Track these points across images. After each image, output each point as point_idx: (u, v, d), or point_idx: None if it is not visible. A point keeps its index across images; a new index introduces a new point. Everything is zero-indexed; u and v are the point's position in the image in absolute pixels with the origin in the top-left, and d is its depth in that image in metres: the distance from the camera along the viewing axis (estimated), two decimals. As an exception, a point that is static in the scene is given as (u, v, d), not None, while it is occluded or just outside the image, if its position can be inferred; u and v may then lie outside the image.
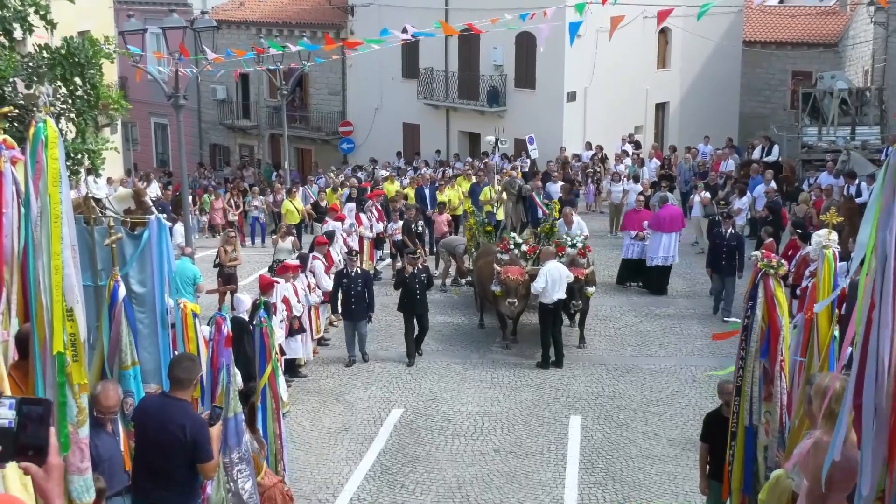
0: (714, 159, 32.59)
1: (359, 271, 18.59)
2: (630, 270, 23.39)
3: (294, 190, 30.12)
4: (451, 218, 26.59)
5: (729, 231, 20.34)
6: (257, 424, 10.96)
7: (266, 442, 11.10)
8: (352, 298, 18.30)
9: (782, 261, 9.32)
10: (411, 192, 28.78)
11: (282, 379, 15.32)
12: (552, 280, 18.12)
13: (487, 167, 31.44)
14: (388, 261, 25.33)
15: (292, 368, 17.81)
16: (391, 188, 29.41)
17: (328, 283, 19.45)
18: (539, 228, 22.07)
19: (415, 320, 18.67)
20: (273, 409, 11.08)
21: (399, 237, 24.47)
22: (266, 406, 10.94)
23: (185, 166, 21.29)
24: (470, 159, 37.98)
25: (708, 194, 26.41)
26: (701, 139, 36.15)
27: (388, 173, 33.66)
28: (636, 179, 29.11)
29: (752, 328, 9.12)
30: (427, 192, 27.99)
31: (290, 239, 22.31)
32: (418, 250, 25.09)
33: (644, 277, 23.12)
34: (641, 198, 24.65)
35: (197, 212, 33.47)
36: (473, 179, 29.30)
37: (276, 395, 11.23)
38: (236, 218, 32.14)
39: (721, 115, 42.90)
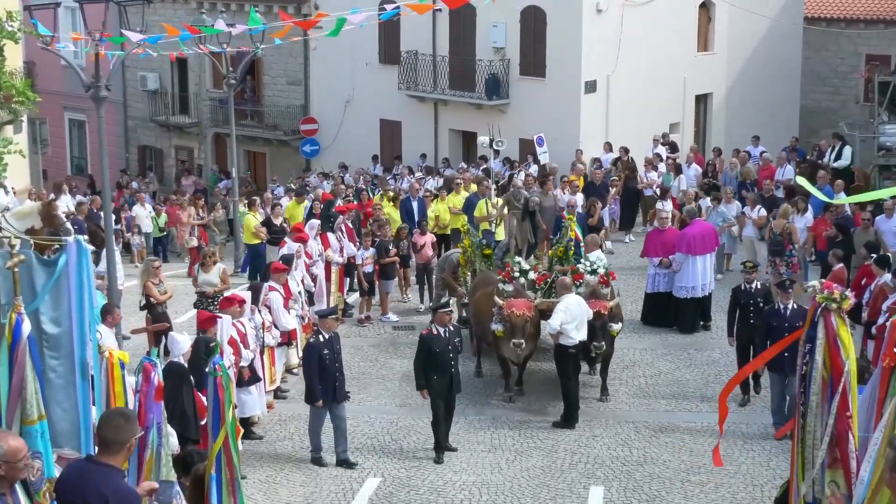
0: (760, 165, 32.32)
1: (335, 335, 17.30)
2: (659, 307, 23.44)
3: (256, 201, 30.21)
4: (435, 239, 26.58)
5: (790, 306, 17.67)
6: (212, 499, 10.96)
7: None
8: (335, 374, 17.00)
9: (846, 292, 9.34)
10: (389, 206, 28.79)
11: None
12: (573, 317, 18.19)
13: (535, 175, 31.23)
14: (357, 297, 25.21)
15: (245, 427, 17.79)
16: (386, 205, 29.25)
17: (287, 321, 19.48)
18: (550, 252, 22.13)
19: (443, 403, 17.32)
20: (228, 480, 11.09)
21: (370, 268, 24.38)
22: (221, 477, 10.94)
23: (108, 173, 21.31)
24: (463, 165, 38.02)
25: (763, 212, 26.33)
26: (755, 139, 36.23)
27: (392, 185, 33.50)
28: (714, 193, 28.12)
29: (811, 378, 9.14)
30: (415, 206, 28.02)
31: (218, 268, 22.08)
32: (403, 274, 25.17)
33: (675, 314, 23.15)
34: (666, 214, 24.71)
35: (132, 233, 33.44)
36: (472, 188, 29.27)
37: (232, 462, 11.22)
38: (195, 239, 31.99)
39: (777, 109, 43.04)
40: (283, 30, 21.39)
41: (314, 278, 22.80)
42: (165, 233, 34.64)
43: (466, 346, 21.98)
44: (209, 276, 21.69)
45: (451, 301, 18.02)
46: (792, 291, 17.84)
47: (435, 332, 17.16)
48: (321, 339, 17.01)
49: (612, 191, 31.59)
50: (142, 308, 21.61)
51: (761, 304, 18.78)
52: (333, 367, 16.88)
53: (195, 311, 21.60)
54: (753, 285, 19.23)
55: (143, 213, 33.94)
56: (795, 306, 17.47)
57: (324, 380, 16.79)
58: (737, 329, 19.14)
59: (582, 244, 23.11)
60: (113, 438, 8.37)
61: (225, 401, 12.73)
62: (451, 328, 17.38)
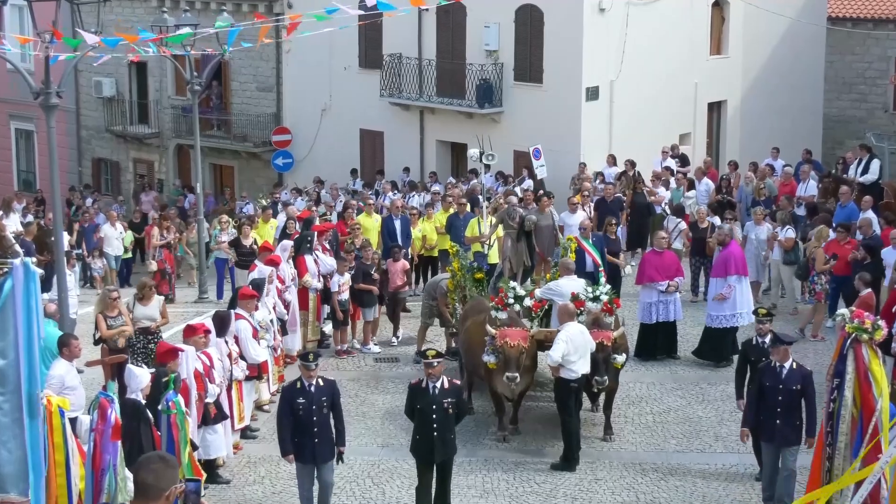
0: (780, 180, 32.29)
1: (320, 383, 16.04)
2: (656, 339, 23.43)
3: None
4: (410, 266, 26.41)
5: (788, 365, 16.00)
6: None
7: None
8: (313, 429, 15.91)
9: (879, 321, 9.35)
10: (370, 223, 28.69)
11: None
12: (575, 347, 18.15)
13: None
14: (330, 328, 25.11)
15: (209, 471, 17.73)
16: (369, 223, 29.15)
17: (258, 353, 19.40)
18: (549, 276, 22.12)
19: (433, 471, 16.37)
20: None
21: (345, 295, 24.25)
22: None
23: (59, 189, 21.25)
24: (452, 180, 37.99)
25: (792, 233, 26.14)
26: (775, 151, 36.20)
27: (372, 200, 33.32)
28: (729, 212, 28.09)
29: (839, 416, 9.13)
30: (398, 225, 27.93)
31: (158, 300, 21.80)
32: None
33: (711, 345, 23.07)
34: (664, 234, 24.73)
35: (93, 256, 33.37)
36: (453, 208, 29.21)
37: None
38: (156, 262, 31.87)
39: (798, 118, 43.14)
40: (258, 34, 21.33)
41: (287, 305, 22.74)
42: (131, 255, 34.56)
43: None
44: (148, 309, 21.23)
45: (432, 353, 16.31)
46: (783, 348, 16.03)
47: (424, 384, 16.21)
48: (297, 386, 16.08)
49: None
50: (96, 342, 21.32)
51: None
52: (310, 420, 15.81)
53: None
54: (768, 339, 17.28)
55: (114, 234, 33.73)
56: (794, 366, 15.93)
57: (298, 434, 15.93)
58: (748, 391, 17.30)
59: (600, 268, 23.12)
60: (153, 483, 8.03)
61: (180, 441, 12.67)
62: (447, 386, 16.15)
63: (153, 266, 31.53)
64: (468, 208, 28.39)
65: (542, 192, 30.25)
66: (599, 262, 23.91)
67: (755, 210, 27.84)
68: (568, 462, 18.32)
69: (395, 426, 19.62)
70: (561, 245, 23.56)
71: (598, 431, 19.59)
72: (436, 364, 16.03)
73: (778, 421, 15.77)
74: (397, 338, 25.22)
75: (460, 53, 40.17)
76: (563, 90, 37.90)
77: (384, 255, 26.30)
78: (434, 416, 15.97)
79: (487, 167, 30.58)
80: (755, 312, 18.64)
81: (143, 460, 8.35)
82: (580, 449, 18.45)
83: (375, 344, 24.80)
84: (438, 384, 16.06)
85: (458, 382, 16.80)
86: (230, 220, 32.71)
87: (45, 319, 17.47)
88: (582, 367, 18.31)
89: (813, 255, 24.20)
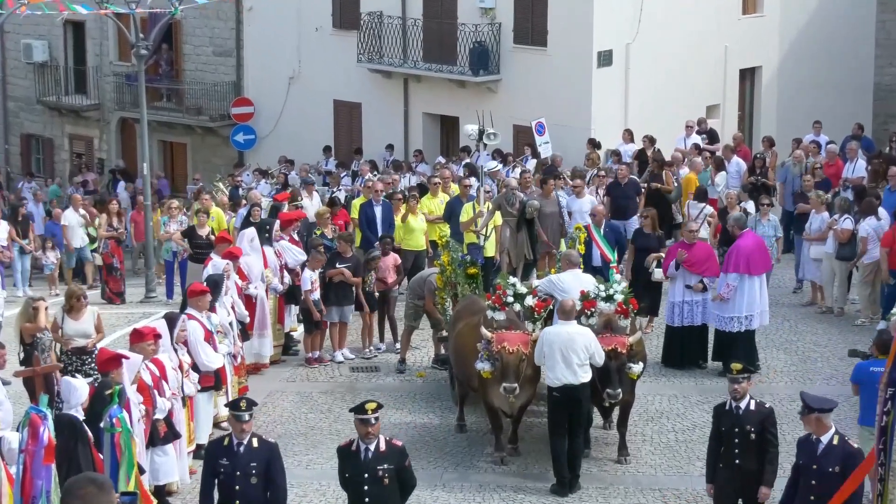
0: (823, 160, 32.24)
1: (254, 445, 14.51)
2: (685, 344, 23.36)
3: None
4: (399, 260, 26.33)
5: (826, 440, 13.99)
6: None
7: None
8: (234, 502, 14.44)
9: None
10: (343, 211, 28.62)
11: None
12: (551, 348, 17.95)
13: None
14: (301, 331, 25.05)
15: (159, 498, 17.71)
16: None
17: (210, 359, 19.32)
18: (553, 270, 22.09)
19: None
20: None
21: (317, 294, 24.12)
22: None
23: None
24: (442, 159, 37.95)
25: (850, 223, 25.88)
26: (817, 125, 36.14)
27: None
28: (764, 196, 27.89)
29: (893, 431, 9.15)
30: (378, 212, 27.84)
31: (91, 312, 21.51)
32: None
33: (718, 348, 23.04)
34: (695, 225, 24.65)
35: (43, 249, 33.28)
36: (454, 189, 29.20)
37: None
38: (101, 256, 31.74)
39: (844, 87, 43.18)
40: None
41: (253, 304, 22.64)
42: (95, 245, 34.46)
43: (445, 391, 21.96)
44: (80, 323, 20.76)
45: (371, 405, 14.28)
46: (813, 416, 14.09)
47: (354, 446, 14.51)
48: (223, 443, 14.72)
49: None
50: (21, 361, 20.61)
51: (752, 437, 15.38)
52: (231, 489, 14.39)
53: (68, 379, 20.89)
54: (745, 404, 15.51)
55: (76, 222, 33.00)
56: (836, 440, 13.89)
57: (222, 499, 14.62)
58: (719, 472, 15.83)
59: (612, 264, 23.00)
60: None
61: (125, 464, 12.62)
62: (383, 449, 14.37)
63: (98, 260, 31.40)
64: (473, 190, 28.30)
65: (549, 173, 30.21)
66: (609, 256, 23.80)
67: (817, 193, 27.27)
68: (558, 484, 18.19)
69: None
70: (568, 235, 23.53)
71: (612, 452, 19.55)
72: (374, 421, 14.25)
73: (812, 500, 14.12)
74: (396, 342, 24.87)
75: (451, 12, 40.18)
76: (570, 55, 37.94)
77: (362, 247, 26.28)
78: (365, 487, 14.29)
79: (484, 144, 30.48)
80: (730, 368, 16.02)
81: (72, 485, 8.35)
82: (574, 476, 18.19)
83: (351, 352, 24.67)
84: (373, 446, 14.31)
85: (400, 444, 14.68)
86: (180, 206, 32.61)
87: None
88: (563, 374, 17.94)
89: None
